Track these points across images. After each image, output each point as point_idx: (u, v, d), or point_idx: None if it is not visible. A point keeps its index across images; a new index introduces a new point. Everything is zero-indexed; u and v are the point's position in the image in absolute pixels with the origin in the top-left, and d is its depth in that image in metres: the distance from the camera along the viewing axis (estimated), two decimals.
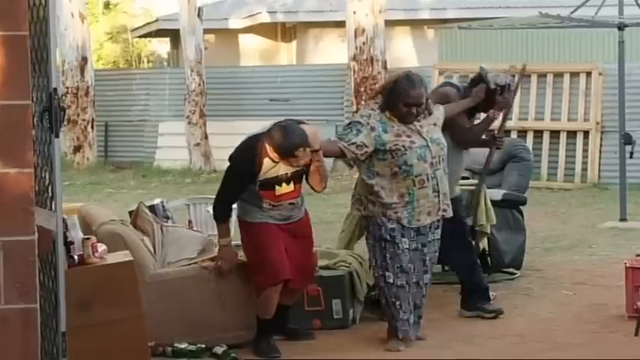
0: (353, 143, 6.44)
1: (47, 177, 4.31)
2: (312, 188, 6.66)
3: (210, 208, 10.40)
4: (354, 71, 17.92)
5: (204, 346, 6.45)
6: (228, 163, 6.64)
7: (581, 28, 13.13)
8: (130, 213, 7.78)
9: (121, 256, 5.84)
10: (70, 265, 5.47)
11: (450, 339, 6.89)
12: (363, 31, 17.82)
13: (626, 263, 7.10)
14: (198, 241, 7.75)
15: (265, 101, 19.40)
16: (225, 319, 6.59)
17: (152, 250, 7.12)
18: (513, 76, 7.46)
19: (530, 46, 18.34)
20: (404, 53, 23.53)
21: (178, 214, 10.66)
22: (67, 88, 19.69)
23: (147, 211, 7.67)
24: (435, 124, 6.65)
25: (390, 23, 22.33)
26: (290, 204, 6.60)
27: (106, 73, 22.56)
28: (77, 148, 19.78)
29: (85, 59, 19.81)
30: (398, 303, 6.58)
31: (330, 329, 7.11)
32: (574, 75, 16.09)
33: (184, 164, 18.88)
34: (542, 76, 16.24)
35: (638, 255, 7.17)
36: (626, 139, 11.04)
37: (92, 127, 19.91)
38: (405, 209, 6.51)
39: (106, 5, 39.16)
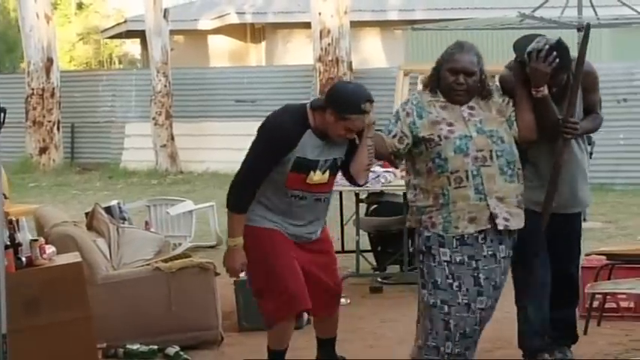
0: (394, 135, 5.28)
1: None
2: (352, 179, 5.48)
3: (171, 210, 10.50)
4: (320, 72, 17.95)
5: (156, 347, 6.44)
6: (259, 132, 5.37)
7: (543, 29, 13.17)
8: (87, 214, 7.79)
9: (70, 258, 5.83)
10: (17, 267, 5.47)
11: (404, 339, 6.91)
12: (329, 32, 17.86)
13: None
14: (154, 243, 7.78)
15: (231, 102, 19.40)
16: (178, 321, 6.57)
17: (107, 251, 7.13)
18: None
19: (498, 47, 18.40)
20: (373, 54, 23.61)
21: (141, 215, 10.68)
22: (33, 89, 19.63)
23: (103, 212, 7.68)
24: (496, 113, 5.28)
25: (359, 24, 22.39)
26: (316, 200, 5.42)
27: (72, 75, 22.50)
28: (43, 150, 19.71)
29: (50, 60, 19.74)
30: (429, 326, 5.30)
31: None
32: None
33: (151, 165, 18.86)
34: None
35: (587, 255, 7.22)
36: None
37: (58, 129, 19.84)
38: (439, 213, 5.23)
39: (79, 6, 39.08)
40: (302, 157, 5.26)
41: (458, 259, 5.21)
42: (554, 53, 5.18)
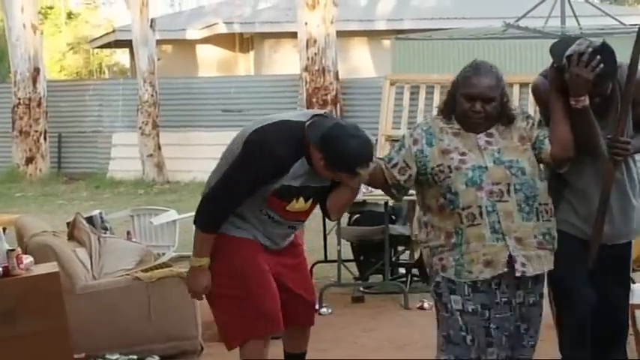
0: (395, 165, 4.71)
1: None
2: (326, 213, 4.88)
3: (154, 220, 10.49)
4: (306, 82, 17.96)
5: (135, 357, 6.42)
6: (249, 148, 4.57)
7: (526, 39, 13.25)
8: (68, 224, 7.78)
9: (47, 268, 5.81)
10: None
11: (380, 346, 6.92)
12: (315, 41, 17.88)
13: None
14: (136, 252, 7.75)
15: (218, 112, 19.41)
16: (157, 330, 6.56)
17: (88, 261, 7.11)
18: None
19: (484, 57, 18.45)
20: (361, 64, 23.65)
21: (126, 225, 10.67)
22: (19, 99, 19.62)
23: (84, 222, 7.66)
24: (518, 140, 4.65)
25: (347, 34, 22.43)
26: (291, 227, 4.87)
27: (59, 84, 22.49)
28: (29, 160, 19.68)
29: (37, 70, 19.73)
30: None
31: None
32: (523, 85, 16.19)
33: (137, 175, 18.85)
34: None
35: None
36: None
37: (45, 139, 19.82)
38: (451, 255, 4.64)
39: (69, 15, 39.07)
40: (288, 185, 4.62)
41: (471, 309, 4.64)
42: (598, 57, 4.48)
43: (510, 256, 4.57)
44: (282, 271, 4.89)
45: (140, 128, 18.90)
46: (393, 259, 8.64)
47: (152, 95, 18.93)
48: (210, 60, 25.74)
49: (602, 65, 4.48)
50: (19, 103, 19.63)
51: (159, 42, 21.00)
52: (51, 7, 38.34)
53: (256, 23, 24.74)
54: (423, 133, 4.70)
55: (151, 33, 19.03)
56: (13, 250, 5.65)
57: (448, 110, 4.71)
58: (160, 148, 18.94)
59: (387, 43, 22.64)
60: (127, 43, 25.26)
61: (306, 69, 18.00)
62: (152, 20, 19.14)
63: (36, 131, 19.72)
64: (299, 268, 5.04)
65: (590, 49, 4.50)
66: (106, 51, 34.64)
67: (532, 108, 15.97)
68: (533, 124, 4.69)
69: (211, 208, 4.68)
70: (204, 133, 18.93)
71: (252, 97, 19.12)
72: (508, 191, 4.57)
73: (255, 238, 4.79)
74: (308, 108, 17.71)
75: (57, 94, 20.64)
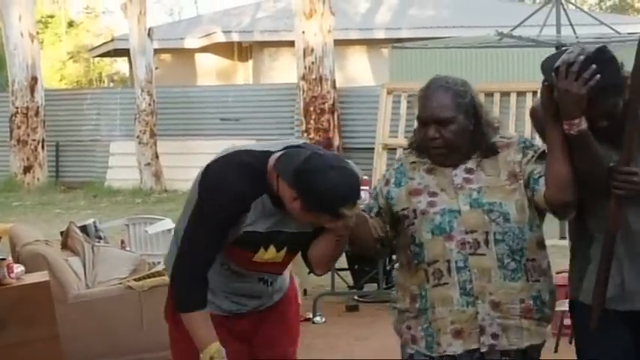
0: (377, 213, 3.79)
1: None
2: (310, 267, 3.87)
3: (149, 228, 10.48)
4: (304, 90, 17.98)
5: None
6: (201, 194, 3.70)
7: (521, 47, 13.25)
8: (62, 233, 7.78)
9: (38, 277, 5.81)
10: None
11: (374, 355, 6.91)
12: (312, 50, 17.90)
13: None
14: (129, 261, 7.76)
15: (216, 120, 19.42)
16: (150, 339, 6.54)
17: (81, 270, 7.12)
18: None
19: (482, 65, 18.47)
20: (360, 73, 23.67)
21: (122, 234, 10.66)
22: (17, 108, 19.64)
23: (77, 231, 7.66)
24: (505, 177, 3.66)
25: (345, 43, 22.45)
26: (261, 280, 3.88)
27: (57, 93, 22.50)
28: (27, 169, 19.69)
29: (35, 79, 19.75)
30: None
31: None
32: (520, 94, 16.22)
33: (135, 184, 18.86)
34: (489, 95, 16.36)
35: (558, 272, 7.20)
36: None
37: (43, 147, 19.83)
38: (418, 323, 3.72)
39: (70, 24, 39.14)
40: (251, 232, 3.68)
41: None
42: (593, 67, 3.43)
43: (480, 327, 3.59)
44: (258, 347, 3.98)
45: (138, 137, 18.92)
46: (388, 267, 8.65)
47: (150, 104, 18.95)
48: (208, 69, 25.76)
49: (598, 76, 3.42)
50: (17, 112, 19.64)
51: (157, 51, 21.04)
52: (52, 16, 38.42)
53: (255, 32, 24.77)
54: (393, 172, 3.80)
55: (148, 42, 19.06)
56: (4, 259, 5.65)
57: (416, 142, 3.77)
58: (157, 156, 18.95)
59: (385, 51, 22.69)
60: (126, 52, 25.33)
61: (303, 78, 18.02)
62: (150, 29, 19.18)
63: (34, 140, 19.73)
64: (279, 330, 4.02)
65: (581, 57, 3.45)
66: (107, 60, 34.71)
67: (529, 116, 15.96)
68: (532, 158, 3.66)
69: (186, 281, 3.67)
70: (202, 141, 18.94)
71: (250, 105, 19.14)
72: (486, 242, 3.59)
73: (220, 307, 3.82)
74: (305, 116, 17.72)
75: (55, 103, 20.65)
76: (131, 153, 19.03)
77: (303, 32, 17.90)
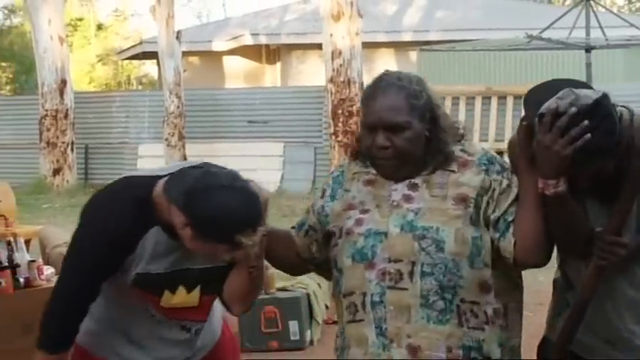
0: (306, 232, 3.29)
1: None
2: (227, 306, 3.31)
3: None
4: (331, 93, 17.97)
5: None
6: (77, 231, 3.23)
7: (552, 50, 13.21)
8: None
9: None
10: (15, 288, 5.50)
11: None
12: (340, 53, 17.88)
13: None
14: None
15: (244, 123, 19.45)
16: None
17: None
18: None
19: (511, 68, 18.44)
20: None
21: None
22: (47, 110, 19.71)
23: None
24: (453, 200, 3.04)
25: (373, 45, 22.43)
26: (184, 329, 3.29)
27: (86, 96, 22.60)
28: (57, 171, 19.77)
29: (64, 82, 19.83)
30: None
31: (287, 350, 7.14)
32: None
33: None
34: (517, 97, 16.33)
35: None
36: None
37: (72, 150, 19.91)
38: None
39: (99, 27, 39.36)
40: (145, 274, 3.13)
41: None
42: (585, 124, 2.81)
43: None
44: None
45: (166, 140, 18.97)
46: None
47: (178, 107, 19.00)
48: (236, 71, 25.82)
49: (588, 136, 2.81)
50: (47, 115, 19.73)
51: (185, 53, 21.08)
52: (80, 19, 38.64)
53: (282, 35, 24.80)
54: (331, 183, 3.24)
55: (177, 44, 19.11)
56: (34, 261, 5.70)
57: (364, 150, 3.15)
58: (186, 159, 18.96)
59: (413, 54, 22.67)
60: (154, 55, 25.44)
61: (331, 80, 18.02)
62: (178, 32, 19.23)
63: (63, 142, 19.81)
64: None
65: (573, 110, 2.81)
66: (135, 62, 34.87)
67: None
68: (508, 186, 3.03)
69: (55, 321, 3.23)
70: (230, 144, 18.98)
71: (278, 108, 19.16)
72: (411, 274, 2.96)
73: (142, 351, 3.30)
74: (333, 119, 17.71)
75: (84, 105, 20.74)
76: (159, 155, 19.08)
77: (331, 35, 17.88)
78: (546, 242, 3.02)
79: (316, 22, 21.81)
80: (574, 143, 2.84)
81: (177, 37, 19.11)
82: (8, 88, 35.01)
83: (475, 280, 3.01)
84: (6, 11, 38.92)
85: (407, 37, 24.04)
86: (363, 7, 18.42)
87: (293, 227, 3.31)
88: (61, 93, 19.80)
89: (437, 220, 3.00)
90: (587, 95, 2.85)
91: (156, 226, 3.09)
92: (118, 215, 3.08)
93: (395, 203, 3.06)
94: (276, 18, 26.41)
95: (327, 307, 7.48)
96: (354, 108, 17.29)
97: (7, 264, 5.43)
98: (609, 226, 3.03)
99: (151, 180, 3.12)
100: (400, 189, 3.08)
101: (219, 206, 2.91)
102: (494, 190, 3.04)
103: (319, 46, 19.21)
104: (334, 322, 7.84)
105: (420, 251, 2.98)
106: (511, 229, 3.00)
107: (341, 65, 17.89)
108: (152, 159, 19.47)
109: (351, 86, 17.90)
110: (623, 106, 3.08)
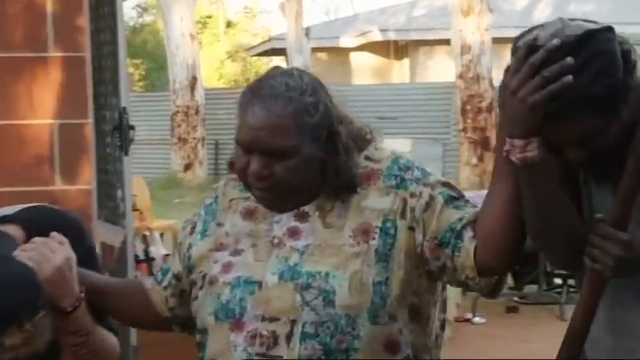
0: (173, 277, 2.51)
1: (119, 193, 4.40)
2: None
3: None
4: (460, 89, 17.85)
5: None
6: None
7: None
8: None
9: None
10: None
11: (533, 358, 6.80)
12: (469, 48, 17.75)
13: None
14: None
15: (373, 119, 19.41)
16: None
17: None
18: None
19: None
20: None
21: None
22: (178, 106, 20.05)
23: None
24: (352, 232, 2.26)
25: (503, 40, 22.16)
26: None
27: (216, 92, 22.91)
28: (187, 166, 20.10)
29: (194, 78, 20.14)
30: None
31: None
32: None
33: None
34: None
35: None
36: None
37: (202, 145, 20.21)
38: None
39: (228, 24, 39.89)
40: None
41: None
42: (568, 60, 2.02)
43: None
44: None
45: None
46: (549, 269, 8.49)
47: None
48: (364, 67, 25.83)
49: (569, 79, 2.02)
50: (178, 111, 20.07)
51: (313, 50, 21.20)
52: (209, 17, 39.18)
53: (411, 31, 24.71)
54: (203, 213, 2.45)
55: (305, 41, 19.23)
56: (169, 254, 5.78)
57: (238, 172, 2.36)
58: None
59: None
60: (282, 52, 25.66)
61: (460, 76, 17.89)
62: (307, 29, 19.36)
63: (194, 138, 20.13)
64: None
65: (554, 42, 2.03)
66: (263, 59, 35.18)
67: None
68: (431, 198, 2.25)
69: None
70: None
71: (407, 104, 19.12)
72: (288, 337, 2.22)
73: None
74: (462, 116, 17.57)
75: (214, 101, 21.02)
76: None
77: (461, 30, 17.76)
78: (515, 242, 2.19)
79: (444, 17, 21.68)
80: (547, 88, 2.03)
81: (306, 34, 19.24)
82: (141, 84, 35.75)
83: (378, 340, 2.24)
84: (139, 9, 39.75)
85: None
86: (492, 1, 18.25)
87: (158, 273, 2.58)
88: (192, 89, 20.12)
89: (327, 263, 2.24)
90: (580, 25, 2.08)
91: None
92: None
93: (276, 241, 2.30)
94: (403, 14, 26.34)
95: (457, 305, 7.42)
96: (484, 104, 17.14)
97: (143, 257, 5.52)
98: (611, 217, 2.13)
99: None
100: (285, 221, 2.31)
101: None
102: (413, 209, 2.25)
103: (447, 42, 19.11)
104: (466, 320, 7.80)
105: (302, 306, 2.21)
106: (467, 234, 2.22)
107: (470, 61, 17.75)
108: None
109: (480, 82, 17.75)
110: None
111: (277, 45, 24.96)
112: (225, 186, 2.44)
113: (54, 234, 2.35)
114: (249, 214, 2.36)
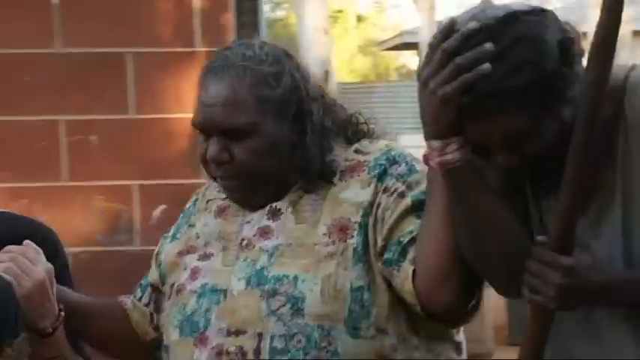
0: (152, 289, 2.28)
1: None
2: None
3: None
4: None
5: None
6: None
7: None
8: None
9: None
10: None
11: None
12: None
13: None
14: None
15: None
16: None
17: None
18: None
19: None
20: None
21: None
22: None
23: None
24: (330, 231, 1.99)
25: None
26: None
27: (348, 86, 23.01)
28: None
29: (327, 72, 20.23)
30: None
31: None
32: None
33: None
34: None
35: None
36: None
37: None
38: None
39: (358, 19, 40.08)
40: None
41: None
42: (487, 46, 1.74)
43: None
44: None
45: None
46: None
47: None
48: None
49: (485, 68, 1.74)
50: None
51: None
52: (340, 11, 39.33)
53: None
54: (180, 217, 2.29)
55: None
56: None
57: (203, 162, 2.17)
58: None
59: None
60: (414, 46, 25.56)
61: None
62: (440, 22, 19.27)
63: None
64: None
65: (472, 25, 1.78)
66: (393, 53, 35.18)
67: None
68: (401, 194, 2.01)
69: None
70: None
71: None
72: (257, 352, 1.95)
73: None
74: None
75: (346, 96, 21.06)
76: (421, 146, 19.17)
77: None
78: (456, 265, 1.85)
79: (580, 9, 21.30)
80: (458, 79, 1.73)
81: None
82: None
83: (363, 357, 1.93)
84: (272, 4, 40.18)
85: None
86: None
87: (137, 288, 2.30)
88: (325, 83, 20.22)
89: (297, 265, 1.94)
90: (506, 7, 1.80)
91: None
92: None
93: (244, 242, 2.03)
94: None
95: None
96: None
97: None
98: (549, 240, 1.76)
99: None
100: (256, 220, 2.05)
101: None
102: (379, 205, 1.96)
103: (584, 35, 18.76)
104: None
105: (269, 316, 1.93)
106: (411, 253, 1.90)
107: None
108: (413, 149, 19.55)
109: None
110: None
111: (408, 39, 24.89)
112: (206, 189, 2.22)
113: (28, 242, 2.03)
114: (220, 212, 2.13)
